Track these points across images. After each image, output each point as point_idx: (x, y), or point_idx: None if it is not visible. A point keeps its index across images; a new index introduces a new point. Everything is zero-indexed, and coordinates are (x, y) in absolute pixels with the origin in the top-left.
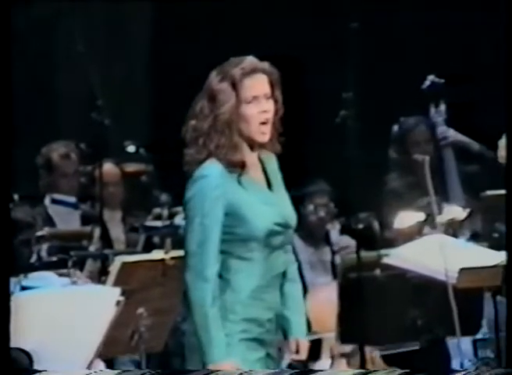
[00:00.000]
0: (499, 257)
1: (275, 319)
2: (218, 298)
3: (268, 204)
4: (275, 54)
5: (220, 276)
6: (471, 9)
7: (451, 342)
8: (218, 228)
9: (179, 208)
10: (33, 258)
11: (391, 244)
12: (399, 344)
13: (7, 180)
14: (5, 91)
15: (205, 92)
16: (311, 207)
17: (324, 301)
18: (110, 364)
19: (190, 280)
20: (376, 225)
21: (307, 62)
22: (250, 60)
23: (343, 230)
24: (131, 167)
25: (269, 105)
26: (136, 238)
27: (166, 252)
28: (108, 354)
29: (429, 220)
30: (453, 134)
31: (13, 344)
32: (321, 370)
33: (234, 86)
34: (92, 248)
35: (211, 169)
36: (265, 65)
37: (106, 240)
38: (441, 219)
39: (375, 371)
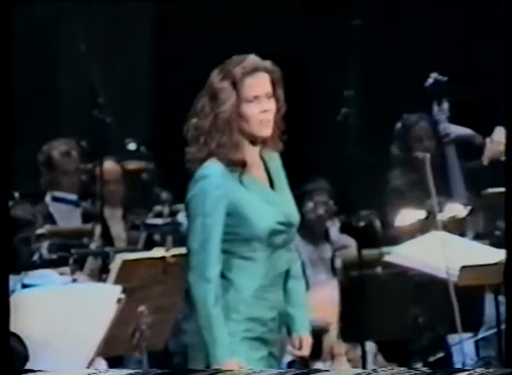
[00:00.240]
0: (500, 255)
1: (278, 318)
2: (221, 297)
3: (270, 203)
4: (276, 52)
5: (223, 275)
6: (472, 9)
7: (452, 340)
8: (220, 228)
9: (180, 206)
10: (34, 256)
11: (392, 241)
12: (400, 342)
13: (7, 178)
14: (5, 90)
15: (207, 90)
16: (310, 205)
17: (324, 298)
18: (113, 362)
19: (192, 280)
20: (377, 223)
21: (309, 61)
22: (252, 59)
23: (344, 228)
24: (132, 165)
25: (270, 105)
26: (137, 236)
27: (167, 250)
28: (109, 352)
29: (430, 218)
30: (455, 130)
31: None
32: (326, 370)
33: (235, 85)
34: (93, 246)
35: (212, 169)
36: (267, 63)
37: (107, 237)
38: (442, 216)
39: (376, 370)
